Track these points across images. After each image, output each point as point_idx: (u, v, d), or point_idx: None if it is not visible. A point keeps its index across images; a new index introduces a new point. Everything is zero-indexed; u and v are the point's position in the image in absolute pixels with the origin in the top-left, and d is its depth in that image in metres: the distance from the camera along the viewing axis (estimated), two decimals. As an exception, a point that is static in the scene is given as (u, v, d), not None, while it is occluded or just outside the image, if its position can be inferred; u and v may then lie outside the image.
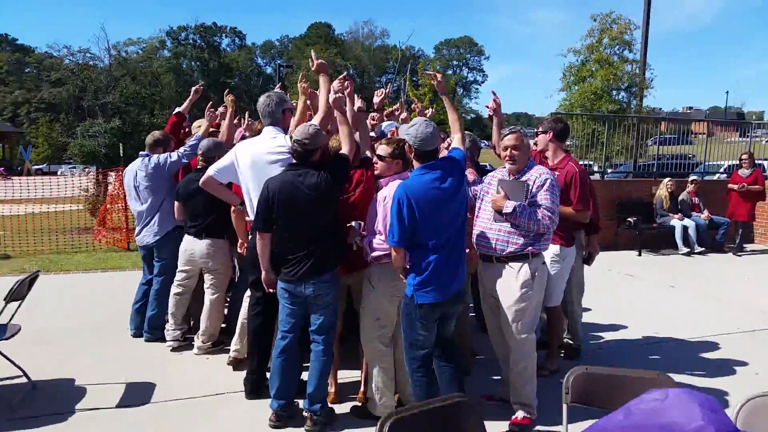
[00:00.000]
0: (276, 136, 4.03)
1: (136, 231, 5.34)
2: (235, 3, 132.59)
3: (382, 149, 3.73)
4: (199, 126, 5.53)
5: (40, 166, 57.92)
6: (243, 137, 5.38)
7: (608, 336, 5.77)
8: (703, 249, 10.45)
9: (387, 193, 3.59)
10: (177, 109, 5.83)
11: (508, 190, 3.75)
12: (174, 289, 5.09)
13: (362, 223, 3.76)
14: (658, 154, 13.58)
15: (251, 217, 3.99)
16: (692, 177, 11.41)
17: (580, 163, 5.62)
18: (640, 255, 10.35)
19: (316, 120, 4.00)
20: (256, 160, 3.94)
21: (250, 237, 4.11)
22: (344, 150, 3.73)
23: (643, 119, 14.77)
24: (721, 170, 13.53)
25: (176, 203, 5.04)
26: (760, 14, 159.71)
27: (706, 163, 13.04)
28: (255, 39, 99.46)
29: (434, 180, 3.32)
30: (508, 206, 3.66)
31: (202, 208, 4.80)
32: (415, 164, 3.47)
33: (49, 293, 7.00)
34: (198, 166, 4.91)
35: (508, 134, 3.85)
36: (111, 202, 11.42)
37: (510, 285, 3.73)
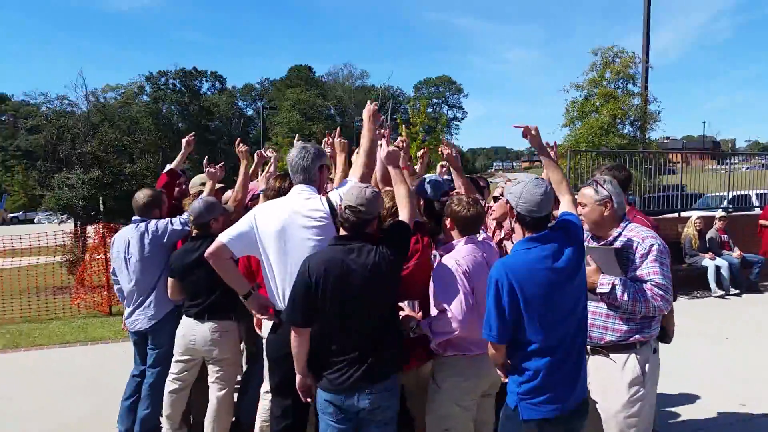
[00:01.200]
0: (311, 197, 3.17)
1: (126, 313, 4.34)
2: (216, 48, 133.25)
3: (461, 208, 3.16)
4: (202, 184, 4.62)
5: (15, 214, 56.25)
6: (254, 197, 4.51)
7: (684, 412, 4.87)
8: (738, 291, 9.70)
9: (457, 260, 3.04)
10: (168, 167, 4.89)
11: (598, 260, 2.92)
12: (169, 385, 4.06)
13: (416, 303, 3.12)
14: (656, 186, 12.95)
15: (279, 304, 3.12)
16: (720, 213, 10.71)
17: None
18: (675, 300, 9.47)
19: (354, 176, 3.30)
20: (286, 226, 3.06)
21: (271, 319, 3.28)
22: (403, 216, 3.03)
23: (655, 153, 14.16)
24: (725, 203, 12.92)
25: (170, 280, 4.08)
26: (726, 50, 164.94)
27: (707, 195, 12.51)
28: (235, 82, 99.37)
29: (545, 258, 2.49)
30: (604, 284, 2.85)
31: (205, 284, 3.84)
32: (517, 234, 2.66)
33: (17, 381, 5.94)
34: (193, 234, 4.03)
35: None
36: (90, 258, 10.39)
37: (614, 384, 2.87)
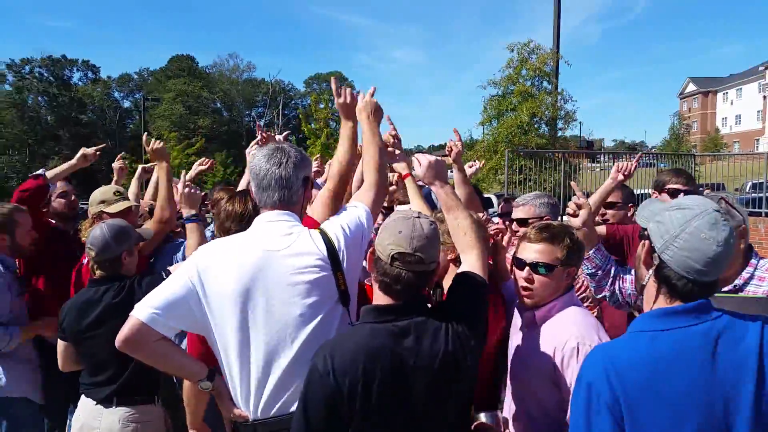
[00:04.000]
0: (293, 231, 2.09)
1: None
2: (86, 36, 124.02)
3: (543, 250, 2.17)
4: (103, 202, 3.50)
5: None
6: (181, 218, 3.41)
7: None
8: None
9: (567, 342, 2.05)
10: (41, 171, 3.72)
11: None
12: None
13: (498, 415, 2.07)
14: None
15: (240, 406, 2.04)
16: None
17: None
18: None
19: (363, 202, 2.32)
20: (255, 282, 1.97)
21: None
22: (475, 266, 2.01)
23: (575, 153, 14.45)
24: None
25: (61, 344, 2.88)
26: (595, 53, 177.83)
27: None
28: (110, 72, 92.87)
29: (696, 348, 1.44)
30: None
31: (110, 352, 2.44)
32: (648, 297, 1.61)
33: None
34: (95, 276, 2.89)
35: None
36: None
37: None
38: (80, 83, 65.06)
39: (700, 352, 1.41)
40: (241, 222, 2.52)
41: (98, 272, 2.86)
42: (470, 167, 4.31)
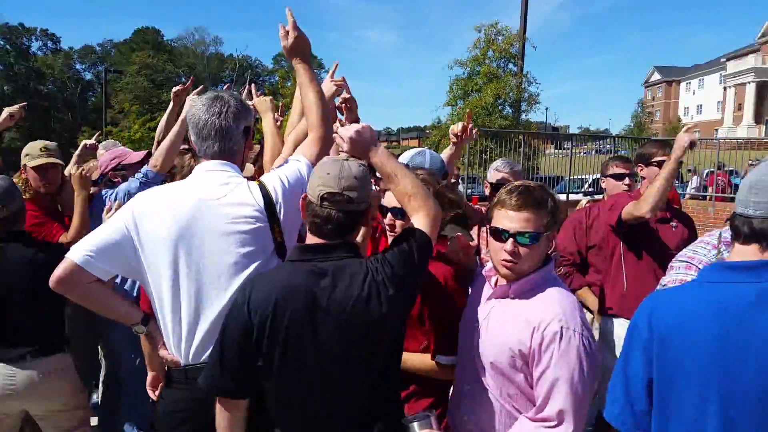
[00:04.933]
0: (231, 181, 2.08)
1: None
2: (48, 4, 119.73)
3: (527, 218, 1.95)
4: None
5: None
6: (118, 170, 3.68)
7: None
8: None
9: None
10: None
11: None
12: None
13: (431, 419, 1.88)
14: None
15: (172, 352, 2.06)
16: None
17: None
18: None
19: (306, 152, 2.29)
20: (189, 229, 1.98)
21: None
22: (422, 224, 1.94)
23: (538, 137, 14.53)
24: (587, 186, 13.43)
25: None
26: (565, 40, 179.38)
27: (565, 180, 13.05)
28: (72, 43, 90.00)
29: (734, 304, 1.43)
30: None
31: (20, 305, 2.72)
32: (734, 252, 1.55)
33: None
34: None
35: None
36: None
37: None
38: (39, 53, 63.02)
39: (736, 308, 1.40)
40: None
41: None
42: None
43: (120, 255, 1.98)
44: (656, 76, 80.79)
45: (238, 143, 2.13)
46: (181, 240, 1.96)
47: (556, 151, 16.85)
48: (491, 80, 19.88)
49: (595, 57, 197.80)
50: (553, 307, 1.92)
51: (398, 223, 2.21)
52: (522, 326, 1.93)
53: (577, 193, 12.82)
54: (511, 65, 20.69)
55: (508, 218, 1.95)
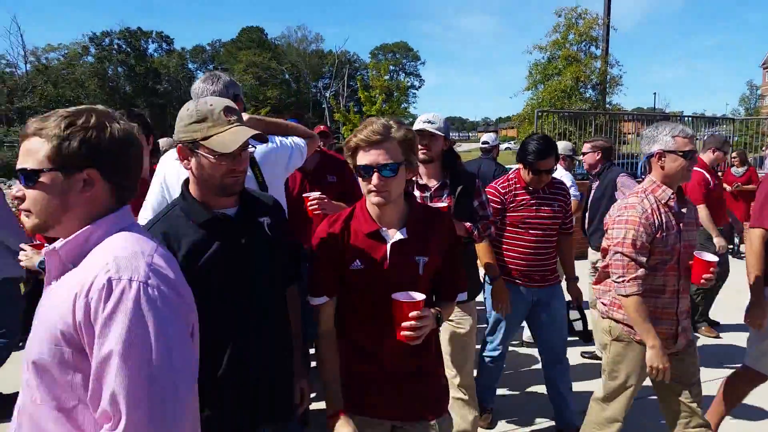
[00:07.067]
0: None
1: None
2: (161, 8, 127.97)
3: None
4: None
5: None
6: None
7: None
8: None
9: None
10: None
11: None
12: None
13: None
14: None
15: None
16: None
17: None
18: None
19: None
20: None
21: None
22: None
23: (614, 117, 14.17)
24: None
25: None
26: (679, 20, 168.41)
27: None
28: (184, 44, 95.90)
29: None
30: None
31: None
32: None
33: None
34: None
35: None
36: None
37: None
38: (155, 54, 67.47)
39: None
40: None
41: None
42: None
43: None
44: (778, 58, 74.31)
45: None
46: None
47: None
48: (571, 63, 19.84)
49: (713, 37, 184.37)
50: (104, 258, 1.33)
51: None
52: (65, 298, 1.31)
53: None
54: (592, 48, 20.63)
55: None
